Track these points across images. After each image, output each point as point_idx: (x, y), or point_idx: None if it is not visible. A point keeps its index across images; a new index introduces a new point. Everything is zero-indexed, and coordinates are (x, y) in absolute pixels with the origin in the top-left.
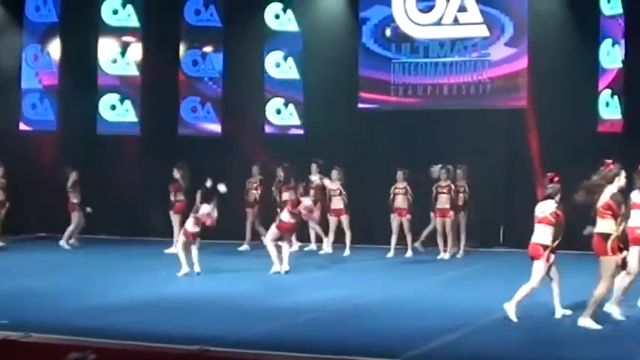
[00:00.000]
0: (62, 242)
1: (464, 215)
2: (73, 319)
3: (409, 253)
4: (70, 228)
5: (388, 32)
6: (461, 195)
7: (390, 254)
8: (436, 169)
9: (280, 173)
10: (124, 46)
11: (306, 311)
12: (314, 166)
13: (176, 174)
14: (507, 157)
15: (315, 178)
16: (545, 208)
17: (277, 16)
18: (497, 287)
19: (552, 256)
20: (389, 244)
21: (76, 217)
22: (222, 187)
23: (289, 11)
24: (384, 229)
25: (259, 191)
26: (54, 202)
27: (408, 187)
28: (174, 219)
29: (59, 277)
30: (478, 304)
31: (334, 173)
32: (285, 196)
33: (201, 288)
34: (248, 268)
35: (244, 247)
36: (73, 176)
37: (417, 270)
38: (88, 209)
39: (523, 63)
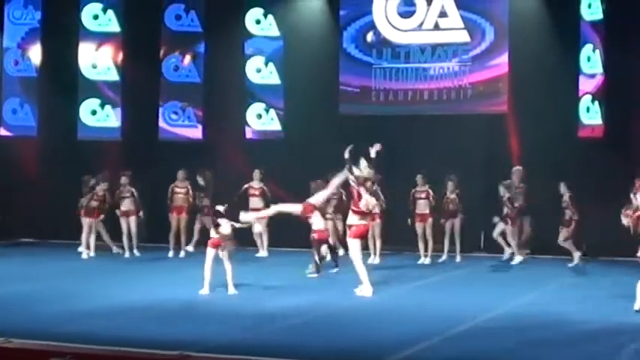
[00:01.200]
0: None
1: (459, 221)
2: (54, 324)
3: (444, 257)
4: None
5: (369, 37)
6: (422, 201)
7: (424, 260)
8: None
9: (201, 181)
10: (105, 51)
11: (288, 316)
12: (256, 173)
13: (200, 181)
14: (488, 162)
15: (257, 185)
16: None
17: (258, 22)
18: (478, 293)
19: None
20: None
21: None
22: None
23: (270, 16)
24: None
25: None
26: (35, 207)
27: (430, 191)
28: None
29: (40, 282)
30: (460, 309)
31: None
32: (206, 202)
33: (183, 293)
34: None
35: (262, 253)
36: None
37: (401, 275)
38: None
39: (504, 68)
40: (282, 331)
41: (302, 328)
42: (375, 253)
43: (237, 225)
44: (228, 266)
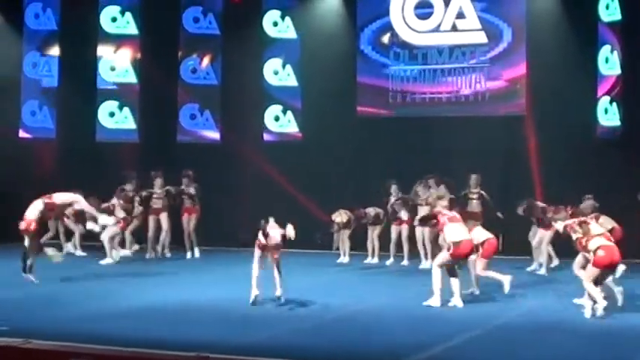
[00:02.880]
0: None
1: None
2: (72, 325)
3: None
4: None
5: (386, 39)
6: (475, 202)
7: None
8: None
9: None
10: (123, 54)
11: (306, 318)
12: (185, 180)
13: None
14: (506, 164)
15: (189, 189)
16: None
17: (275, 24)
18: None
19: None
20: (386, 251)
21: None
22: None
23: (287, 18)
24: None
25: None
26: None
27: (483, 193)
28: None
29: (59, 283)
30: (477, 312)
31: (394, 188)
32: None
33: (201, 294)
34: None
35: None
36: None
37: (415, 277)
38: None
39: (521, 70)
40: (300, 333)
41: (320, 330)
42: (406, 258)
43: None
44: (277, 273)
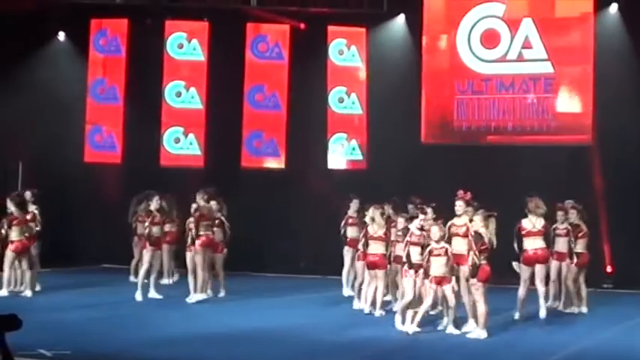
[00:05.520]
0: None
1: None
2: (133, 349)
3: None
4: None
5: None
6: (582, 240)
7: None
8: None
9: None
10: (189, 80)
11: (365, 347)
12: (355, 202)
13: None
14: (571, 194)
15: (353, 214)
16: None
17: (341, 52)
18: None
19: None
20: None
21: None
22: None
23: (353, 47)
24: None
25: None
26: (118, 233)
27: (569, 227)
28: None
29: (122, 308)
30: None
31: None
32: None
33: (260, 320)
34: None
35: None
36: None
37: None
38: None
39: (588, 100)
40: None
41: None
42: None
43: None
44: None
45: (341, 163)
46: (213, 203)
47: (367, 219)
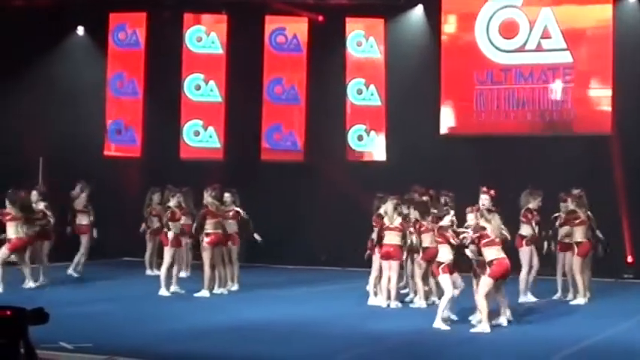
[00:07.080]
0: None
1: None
2: (155, 343)
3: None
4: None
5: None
6: (579, 228)
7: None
8: None
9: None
10: (208, 72)
11: (384, 337)
12: (228, 195)
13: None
14: (591, 184)
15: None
16: None
17: (359, 44)
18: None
19: None
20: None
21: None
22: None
23: (371, 38)
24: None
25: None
26: (138, 226)
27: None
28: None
29: (142, 301)
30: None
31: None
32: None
33: (281, 313)
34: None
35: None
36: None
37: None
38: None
39: (608, 89)
40: (381, 353)
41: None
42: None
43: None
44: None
45: (359, 155)
46: (227, 195)
47: (381, 211)
